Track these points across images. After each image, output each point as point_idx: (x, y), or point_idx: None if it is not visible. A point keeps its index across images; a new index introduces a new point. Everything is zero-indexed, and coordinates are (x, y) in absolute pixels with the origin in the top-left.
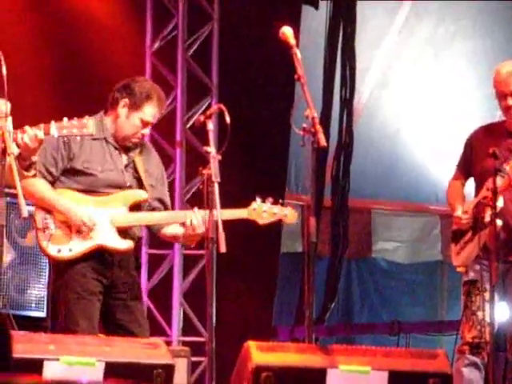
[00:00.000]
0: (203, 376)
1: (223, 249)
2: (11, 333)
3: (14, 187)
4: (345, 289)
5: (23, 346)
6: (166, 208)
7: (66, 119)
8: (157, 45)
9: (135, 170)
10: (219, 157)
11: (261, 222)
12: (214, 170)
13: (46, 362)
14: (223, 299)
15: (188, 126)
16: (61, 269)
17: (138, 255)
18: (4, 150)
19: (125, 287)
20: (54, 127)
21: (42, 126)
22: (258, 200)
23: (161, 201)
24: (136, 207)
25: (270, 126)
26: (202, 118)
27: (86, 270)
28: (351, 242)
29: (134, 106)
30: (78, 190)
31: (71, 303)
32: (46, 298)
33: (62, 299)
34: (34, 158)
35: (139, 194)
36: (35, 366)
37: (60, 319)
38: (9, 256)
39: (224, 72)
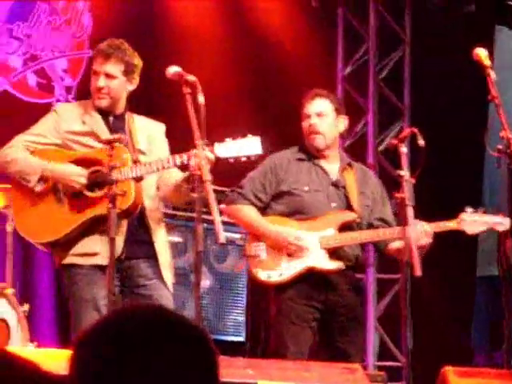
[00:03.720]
0: None
1: (419, 272)
2: (219, 357)
3: (211, 213)
4: None
5: (223, 370)
6: (389, 227)
7: (229, 139)
8: (348, 69)
9: (345, 189)
10: (413, 180)
11: (470, 231)
12: (407, 193)
13: None
14: (419, 323)
15: (380, 149)
16: (273, 295)
17: (358, 279)
18: (201, 178)
19: (342, 310)
20: (218, 148)
21: (207, 148)
22: (469, 210)
23: (383, 220)
24: (346, 228)
25: (464, 148)
26: (394, 142)
27: (297, 296)
28: None
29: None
30: (286, 215)
31: (283, 330)
32: (244, 322)
33: (273, 325)
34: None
35: (347, 215)
36: None
37: (271, 345)
38: (207, 282)
39: (415, 94)
